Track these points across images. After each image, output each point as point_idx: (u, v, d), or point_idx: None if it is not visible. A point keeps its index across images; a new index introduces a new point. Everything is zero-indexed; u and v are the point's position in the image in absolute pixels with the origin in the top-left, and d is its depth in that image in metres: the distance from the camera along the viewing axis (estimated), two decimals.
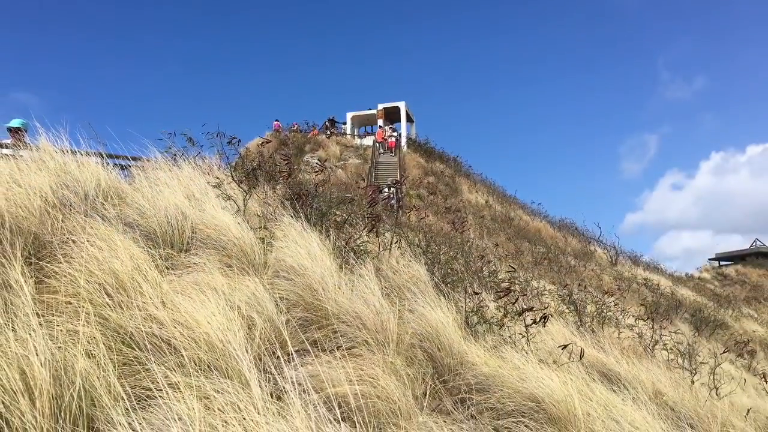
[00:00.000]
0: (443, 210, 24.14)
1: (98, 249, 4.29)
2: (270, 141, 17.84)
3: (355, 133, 43.67)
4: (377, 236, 7.42)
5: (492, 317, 6.36)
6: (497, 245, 18.92)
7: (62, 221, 4.78)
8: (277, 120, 40.73)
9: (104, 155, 6.41)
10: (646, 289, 21.06)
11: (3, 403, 2.56)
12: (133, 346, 3.42)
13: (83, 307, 3.52)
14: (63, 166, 5.60)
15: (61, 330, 3.23)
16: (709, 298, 26.84)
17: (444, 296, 6.26)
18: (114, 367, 3.04)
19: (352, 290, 5.32)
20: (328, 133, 40.67)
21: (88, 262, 4.07)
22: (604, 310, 9.99)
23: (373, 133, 40.66)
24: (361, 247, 6.86)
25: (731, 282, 41.26)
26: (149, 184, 6.13)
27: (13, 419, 2.50)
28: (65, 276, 3.94)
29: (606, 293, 13.86)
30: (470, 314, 6.17)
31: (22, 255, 3.91)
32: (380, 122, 41.02)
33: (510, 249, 20.13)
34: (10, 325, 3.02)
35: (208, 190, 6.66)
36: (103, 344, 3.17)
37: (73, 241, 4.45)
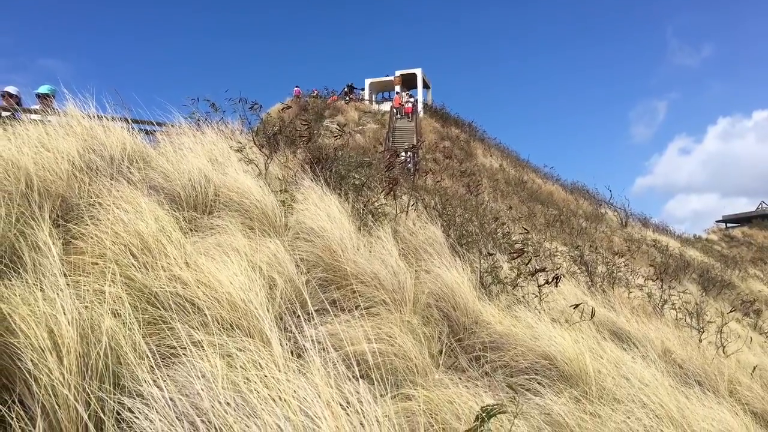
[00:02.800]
0: (458, 173, 23.94)
1: (124, 211, 4.25)
2: (290, 106, 17.72)
3: (373, 99, 43.24)
4: (394, 199, 7.34)
5: (506, 278, 6.30)
6: (511, 208, 18.79)
7: (89, 184, 4.75)
8: (297, 86, 40.38)
9: (130, 120, 6.35)
10: (656, 250, 20.85)
11: (32, 360, 2.54)
12: (158, 305, 3.39)
13: (109, 267, 3.48)
14: (90, 131, 5.55)
15: (87, 290, 3.20)
16: (716, 259, 26.52)
17: (459, 257, 6.19)
18: (139, 326, 3.01)
19: (370, 251, 5.27)
20: (347, 99, 40.33)
21: (114, 224, 4.04)
22: (615, 271, 9.89)
23: (390, 99, 40.22)
24: (379, 210, 6.79)
25: (738, 243, 40.72)
26: (173, 148, 6.08)
27: (42, 376, 2.48)
28: (92, 237, 3.91)
29: (616, 254, 13.73)
30: (485, 275, 6.10)
31: (50, 217, 3.88)
32: (397, 88, 40.51)
33: (523, 211, 19.98)
34: (39, 285, 2.99)
35: (230, 154, 6.60)
36: (129, 304, 3.14)
37: (100, 204, 4.42)
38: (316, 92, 41.11)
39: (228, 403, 2.52)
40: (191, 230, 4.81)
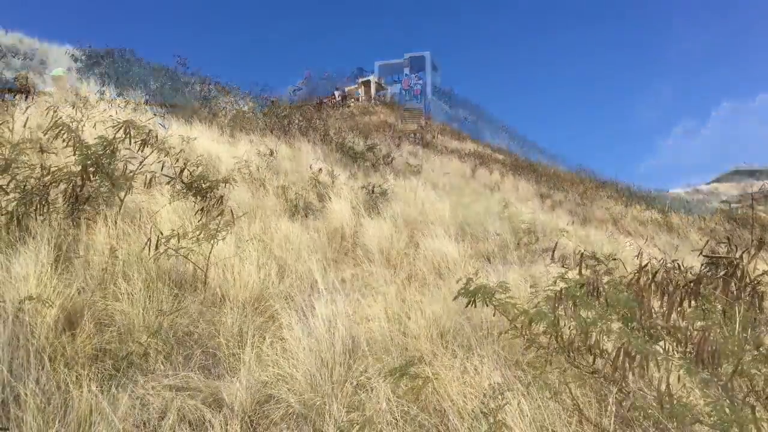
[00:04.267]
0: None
1: None
2: (301, 89, 17.63)
3: (383, 81, 43.03)
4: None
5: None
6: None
7: None
8: (308, 69, 40.17)
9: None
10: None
11: None
12: None
13: None
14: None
15: None
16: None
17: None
18: None
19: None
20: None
21: None
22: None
23: (399, 82, 40.04)
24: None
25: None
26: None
27: None
28: None
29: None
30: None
31: None
32: (406, 71, 40.30)
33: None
34: None
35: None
36: None
37: None
38: (327, 75, 40.90)
39: None
40: None
